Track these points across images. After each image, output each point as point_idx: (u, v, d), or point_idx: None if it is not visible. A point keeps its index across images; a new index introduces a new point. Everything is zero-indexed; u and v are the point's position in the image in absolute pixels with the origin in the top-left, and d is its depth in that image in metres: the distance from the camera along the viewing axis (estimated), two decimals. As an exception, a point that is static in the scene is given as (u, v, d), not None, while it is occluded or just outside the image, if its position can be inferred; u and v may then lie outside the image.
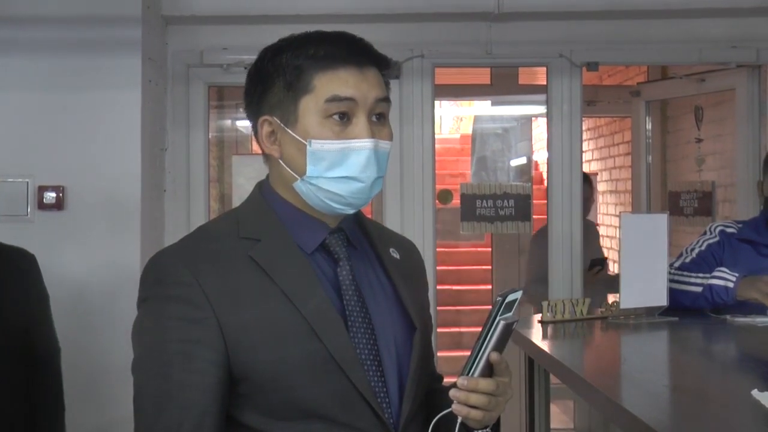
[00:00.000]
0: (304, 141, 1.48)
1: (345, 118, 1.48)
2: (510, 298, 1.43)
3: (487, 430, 1.51)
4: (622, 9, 3.84)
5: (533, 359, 2.84)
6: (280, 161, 1.53)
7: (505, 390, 1.47)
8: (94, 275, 3.48)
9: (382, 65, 1.55)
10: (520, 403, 3.06)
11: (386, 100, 1.53)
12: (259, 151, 1.60)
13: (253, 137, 1.59)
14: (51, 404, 2.61)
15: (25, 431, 2.54)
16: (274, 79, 1.51)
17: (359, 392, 1.44)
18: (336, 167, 1.48)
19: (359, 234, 1.62)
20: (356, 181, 1.48)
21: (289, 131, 1.50)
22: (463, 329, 7.08)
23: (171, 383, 1.41)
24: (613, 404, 1.93)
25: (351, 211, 1.54)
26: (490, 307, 1.47)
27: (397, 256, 1.64)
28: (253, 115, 1.56)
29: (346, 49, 1.50)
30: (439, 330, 4.33)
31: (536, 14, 3.86)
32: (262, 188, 1.59)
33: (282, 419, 1.43)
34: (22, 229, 3.47)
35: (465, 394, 1.43)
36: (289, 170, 1.52)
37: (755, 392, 1.81)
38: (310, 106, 1.48)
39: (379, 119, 1.52)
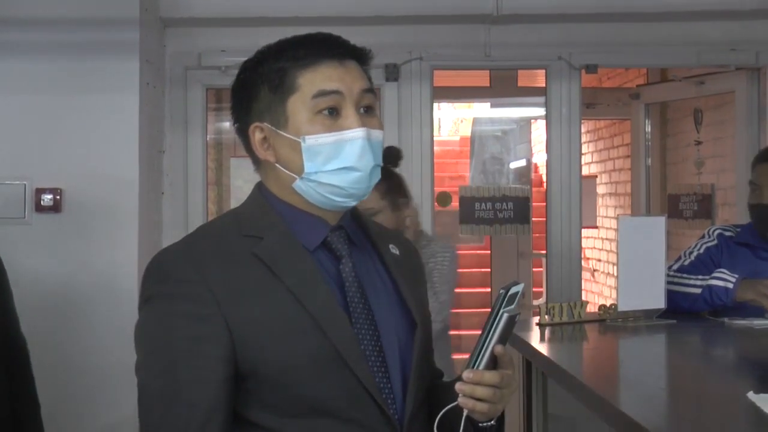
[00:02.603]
0: (297, 139, 1.50)
1: (334, 112, 1.50)
2: (512, 291, 1.45)
3: (492, 422, 1.51)
4: (621, 11, 3.84)
5: (531, 362, 2.83)
6: (277, 165, 1.54)
7: (509, 382, 1.48)
8: (91, 278, 3.47)
9: (361, 58, 1.57)
10: (518, 406, 3.05)
11: (371, 91, 1.55)
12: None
13: (245, 148, 1.60)
14: (29, 402, 2.60)
15: (12, 430, 2.54)
16: (259, 86, 1.54)
17: (364, 387, 1.45)
18: (333, 159, 1.49)
19: (359, 232, 1.63)
20: (354, 171, 1.50)
21: (282, 133, 1.51)
22: (462, 332, 7.07)
23: (178, 381, 1.41)
24: (610, 407, 1.92)
25: (353, 203, 1.55)
26: (490, 308, 1.48)
27: (396, 252, 1.65)
28: (243, 126, 1.58)
29: (324, 45, 1.53)
30: (437, 333, 4.32)
31: (535, 16, 3.86)
32: (262, 188, 1.60)
33: (289, 415, 1.44)
34: (19, 231, 3.47)
35: (471, 387, 1.43)
36: (286, 172, 1.53)
37: (751, 395, 1.81)
38: (299, 105, 1.50)
39: (367, 111, 1.54)
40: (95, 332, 3.44)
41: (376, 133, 1.52)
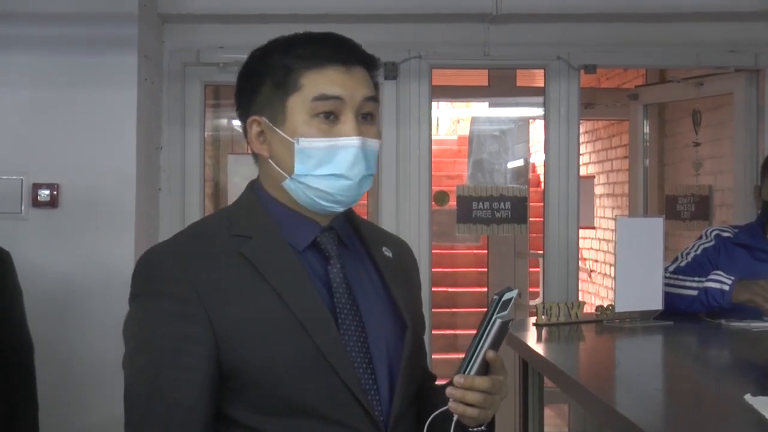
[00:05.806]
0: (292, 139, 1.50)
1: (332, 116, 1.50)
2: (506, 296, 1.45)
3: (482, 428, 1.51)
4: (620, 12, 3.84)
5: (527, 362, 2.83)
6: (270, 161, 1.54)
7: (501, 388, 1.47)
8: (88, 274, 3.47)
9: (370, 65, 1.56)
10: (514, 407, 3.05)
11: (374, 99, 1.54)
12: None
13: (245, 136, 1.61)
14: (26, 401, 2.59)
15: (2, 428, 2.53)
16: (263, 79, 1.53)
17: (349, 389, 1.45)
18: (324, 165, 1.49)
19: (351, 233, 1.62)
20: (344, 179, 1.50)
21: (278, 130, 1.52)
22: (458, 331, 7.07)
23: (161, 379, 1.42)
24: (606, 408, 1.92)
25: (340, 209, 1.55)
26: (485, 309, 1.48)
27: (389, 254, 1.65)
28: (243, 116, 1.58)
29: (334, 49, 1.52)
30: (434, 332, 4.32)
31: (534, 16, 3.86)
32: (254, 187, 1.60)
33: (272, 415, 1.44)
34: (16, 226, 3.46)
35: (461, 392, 1.43)
36: (278, 169, 1.53)
37: (748, 397, 1.80)
38: (298, 105, 1.50)
39: (366, 118, 1.53)
40: (92, 327, 3.43)
41: (372, 143, 1.52)
